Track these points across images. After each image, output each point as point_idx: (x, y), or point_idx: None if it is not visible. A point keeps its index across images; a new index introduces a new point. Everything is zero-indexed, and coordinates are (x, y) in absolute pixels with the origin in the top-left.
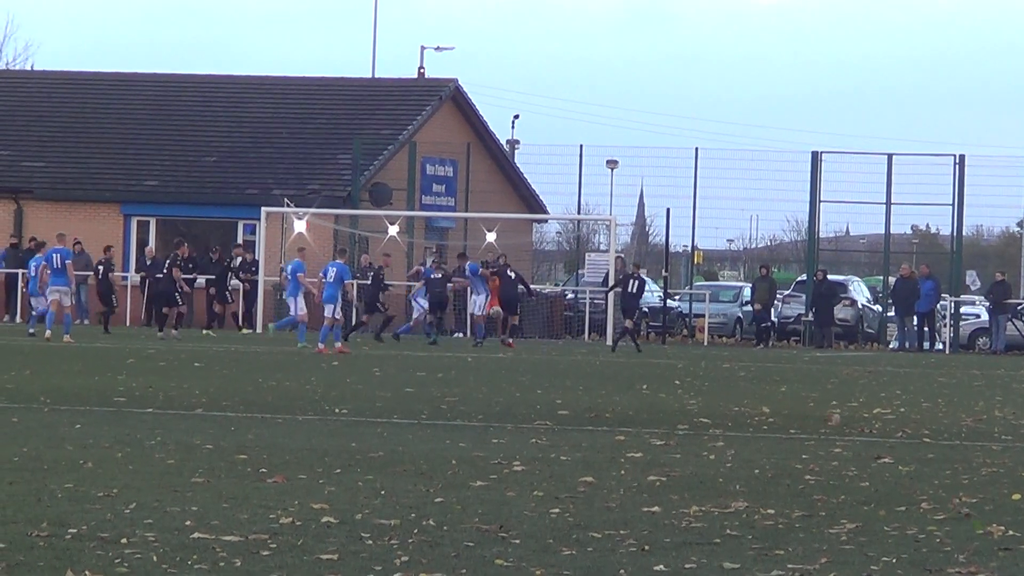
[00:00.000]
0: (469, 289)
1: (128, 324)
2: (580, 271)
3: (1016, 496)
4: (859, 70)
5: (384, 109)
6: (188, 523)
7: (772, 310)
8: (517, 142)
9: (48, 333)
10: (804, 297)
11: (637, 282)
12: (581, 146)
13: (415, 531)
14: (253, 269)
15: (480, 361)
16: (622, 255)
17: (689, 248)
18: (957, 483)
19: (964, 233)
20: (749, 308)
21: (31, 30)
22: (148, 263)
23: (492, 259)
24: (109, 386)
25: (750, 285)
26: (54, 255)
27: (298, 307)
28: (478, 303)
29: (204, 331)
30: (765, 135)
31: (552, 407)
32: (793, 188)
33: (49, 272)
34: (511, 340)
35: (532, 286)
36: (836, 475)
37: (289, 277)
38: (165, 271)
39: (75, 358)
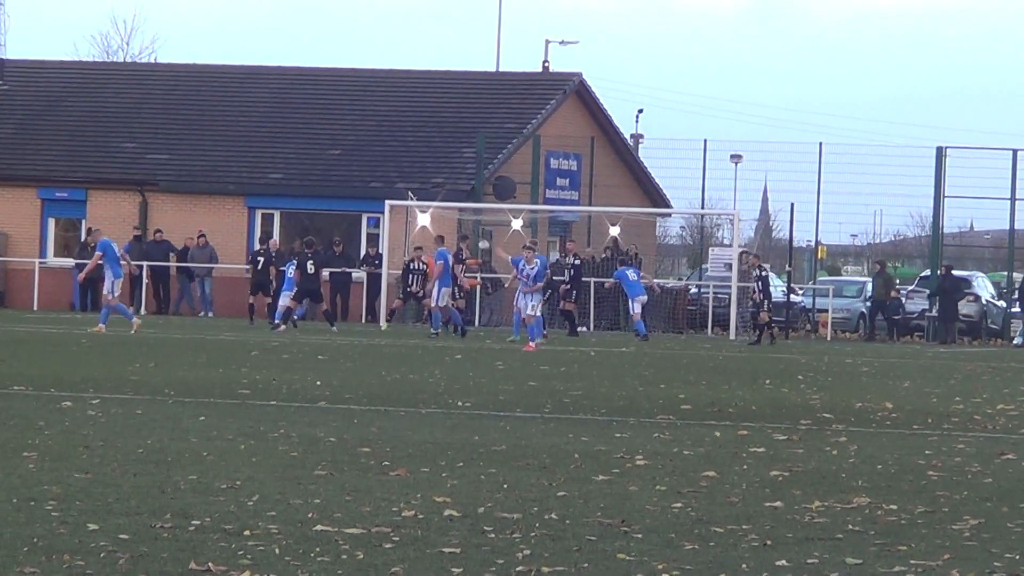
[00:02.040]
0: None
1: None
2: (704, 266)
3: None
4: (984, 66)
5: (508, 103)
6: (311, 515)
7: (887, 305)
8: (641, 136)
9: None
10: (928, 293)
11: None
12: (705, 140)
13: (537, 525)
14: (376, 263)
15: (603, 355)
16: (748, 250)
17: (813, 243)
18: None
19: None
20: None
21: (157, 23)
22: (273, 256)
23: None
24: (233, 378)
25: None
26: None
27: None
28: (525, 299)
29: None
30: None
31: (675, 401)
32: (917, 183)
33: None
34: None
35: (655, 281)
36: (959, 471)
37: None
38: (314, 269)
39: (199, 350)
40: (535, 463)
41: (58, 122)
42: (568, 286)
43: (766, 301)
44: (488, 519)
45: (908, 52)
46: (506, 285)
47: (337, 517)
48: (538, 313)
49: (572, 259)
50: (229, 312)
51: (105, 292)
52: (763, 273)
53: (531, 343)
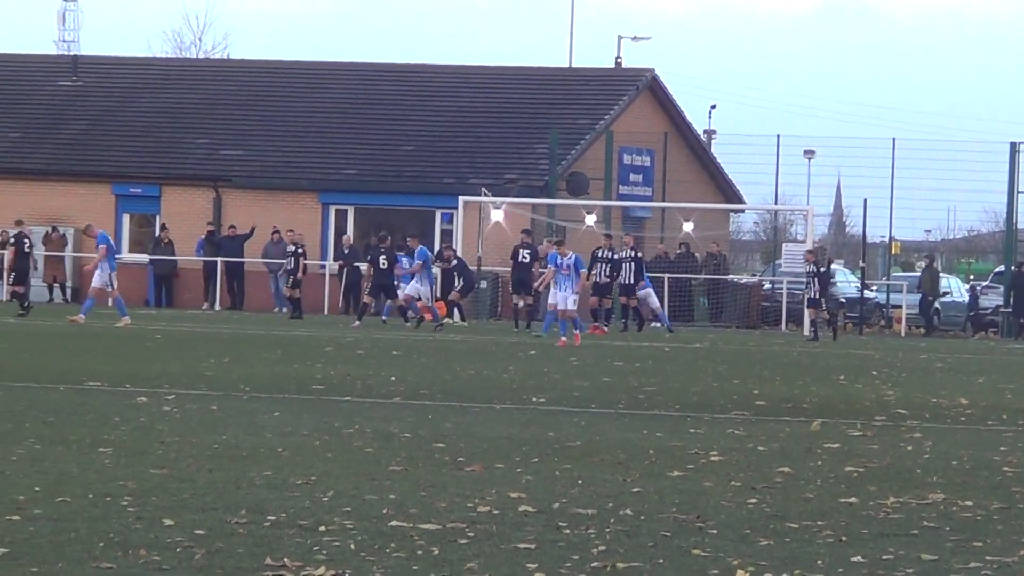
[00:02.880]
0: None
1: (327, 312)
2: (777, 261)
3: None
4: None
5: (581, 99)
6: (386, 511)
7: (936, 299)
8: (714, 132)
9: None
10: (1002, 288)
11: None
12: (778, 136)
13: (612, 520)
14: (454, 261)
15: (677, 351)
16: (822, 245)
17: (886, 239)
18: None
19: None
20: (946, 299)
21: (229, 19)
22: (346, 252)
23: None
24: (308, 374)
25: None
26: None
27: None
28: (558, 296)
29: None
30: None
31: (749, 397)
32: (991, 179)
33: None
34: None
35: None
36: None
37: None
38: (387, 264)
39: (274, 346)
40: (610, 459)
41: (132, 118)
42: (631, 281)
43: (823, 299)
44: (563, 515)
45: (981, 48)
46: (538, 287)
47: (412, 513)
48: (574, 307)
49: (633, 252)
50: (304, 309)
51: (97, 284)
52: (820, 269)
53: (563, 338)
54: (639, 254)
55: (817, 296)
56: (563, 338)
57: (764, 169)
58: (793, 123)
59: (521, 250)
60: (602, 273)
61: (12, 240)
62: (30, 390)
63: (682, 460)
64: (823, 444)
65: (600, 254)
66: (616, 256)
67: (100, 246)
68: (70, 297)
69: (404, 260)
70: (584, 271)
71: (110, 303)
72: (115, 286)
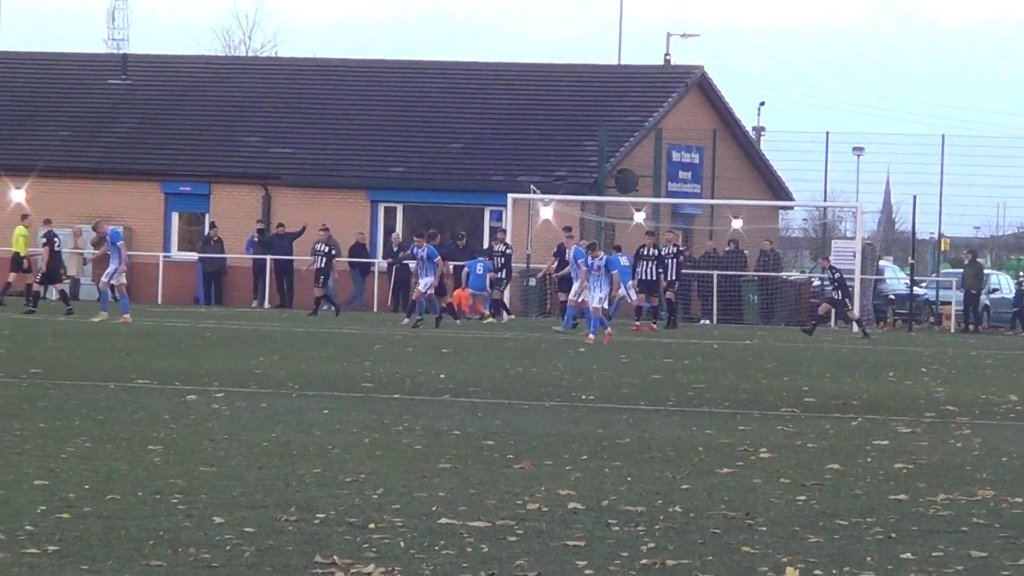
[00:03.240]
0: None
1: (375, 310)
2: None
3: None
4: None
5: (630, 96)
6: (435, 508)
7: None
8: (763, 129)
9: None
10: None
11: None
12: (827, 133)
13: (661, 517)
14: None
15: (726, 348)
16: (871, 242)
17: (935, 235)
18: None
19: None
20: (996, 295)
21: (278, 18)
22: (395, 249)
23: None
24: (357, 372)
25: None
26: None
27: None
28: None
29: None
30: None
31: (798, 394)
32: None
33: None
34: (652, 324)
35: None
36: None
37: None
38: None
39: (323, 344)
40: (659, 456)
41: (181, 116)
42: (674, 278)
43: (847, 300)
44: (612, 512)
45: None
46: (578, 291)
47: (461, 510)
48: (605, 305)
49: (676, 248)
50: (353, 306)
51: (106, 280)
52: (836, 275)
53: (591, 335)
54: (680, 250)
55: (842, 298)
56: (591, 335)
57: (813, 166)
58: (842, 120)
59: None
60: (647, 270)
61: (44, 240)
62: (80, 388)
63: (731, 457)
64: (872, 441)
65: (645, 252)
66: (662, 253)
67: (119, 243)
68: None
69: (480, 264)
70: (616, 272)
71: (97, 296)
72: (122, 282)
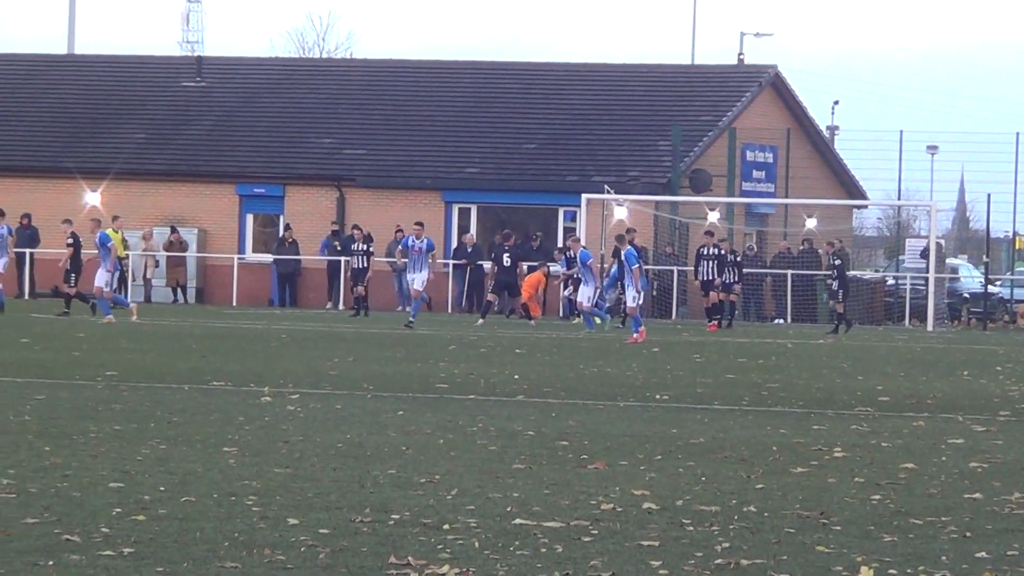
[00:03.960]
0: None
1: (449, 311)
2: (900, 257)
3: None
4: None
5: (703, 95)
6: (509, 509)
7: None
8: (836, 128)
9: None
10: None
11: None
12: (901, 132)
13: (736, 517)
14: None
15: (800, 348)
16: (941, 241)
17: (1010, 234)
18: None
19: None
20: None
21: (352, 19)
22: (468, 250)
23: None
24: (431, 372)
25: None
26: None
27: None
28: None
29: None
30: None
31: (873, 393)
32: None
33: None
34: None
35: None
36: None
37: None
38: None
39: (397, 345)
40: (733, 456)
41: (255, 118)
42: (733, 279)
43: (840, 291)
44: (686, 512)
45: None
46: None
47: (536, 511)
48: (634, 304)
49: (716, 250)
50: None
51: (100, 285)
52: (836, 262)
53: (635, 335)
54: (721, 251)
55: (837, 288)
56: (634, 335)
57: (887, 165)
58: (916, 118)
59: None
60: (707, 271)
61: (70, 240)
62: (155, 390)
63: (805, 457)
64: (947, 440)
65: (705, 252)
66: (722, 252)
67: (108, 244)
68: (192, 299)
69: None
70: (636, 267)
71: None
72: (115, 285)
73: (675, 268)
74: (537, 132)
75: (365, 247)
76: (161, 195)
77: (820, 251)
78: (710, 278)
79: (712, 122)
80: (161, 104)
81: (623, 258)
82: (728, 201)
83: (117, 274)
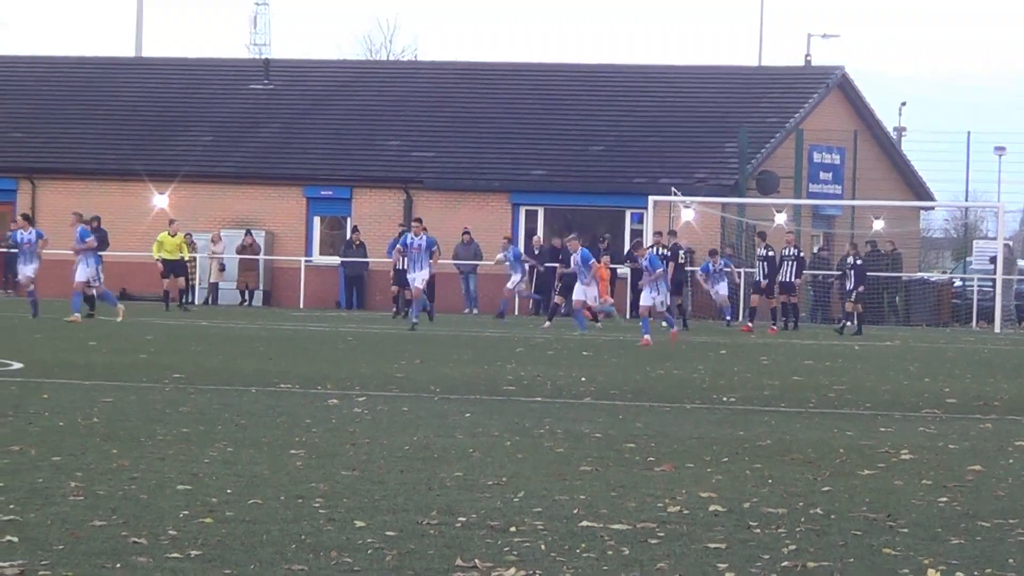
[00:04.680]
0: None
1: (516, 313)
2: (968, 258)
3: None
4: None
5: (771, 97)
6: (576, 511)
7: None
8: (904, 129)
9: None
10: None
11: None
12: (968, 133)
13: (802, 520)
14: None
15: (868, 349)
16: (1009, 242)
17: None
18: None
19: None
20: None
21: (418, 22)
22: (536, 252)
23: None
24: (499, 375)
25: None
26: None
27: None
28: (588, 293)
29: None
30: None
31: (940, 395)
32: None
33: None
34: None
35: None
36: None
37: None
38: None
39: (465, 347)
40: (800, 458)
41: (323, 121)
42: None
43: (854, 292)
44: (753, 514)
45: None
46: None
47: (602, 513)
48: (650, 304)
49: (796, 250)
50: (496, 310)
51: (83, 279)
52: (858, 261)
53: (646, 336)
54: (801, 252)
55: (851, 288)
56: (645, 337)
57: (954, 166)
58: (984, 119)
59: (661, 250)
60: (762, 272)
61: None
62: (222, 392)
63: (872, 459)
64: (1014, 442)
65: (760, 253)
66: (772, 254)
67: (88, 239)
68: (259, 301)
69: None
70: (661, 269)
71: (96, 295)
72: (101, 280)
73: (742, 270)
74: (604, 134)
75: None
76: (229, 198)
77: (882, 251)
78: (786, 280)
79: (779, 124)
80: (229, 107)
81: (647, 261)
82: (795, 203)
83: (100, 267)
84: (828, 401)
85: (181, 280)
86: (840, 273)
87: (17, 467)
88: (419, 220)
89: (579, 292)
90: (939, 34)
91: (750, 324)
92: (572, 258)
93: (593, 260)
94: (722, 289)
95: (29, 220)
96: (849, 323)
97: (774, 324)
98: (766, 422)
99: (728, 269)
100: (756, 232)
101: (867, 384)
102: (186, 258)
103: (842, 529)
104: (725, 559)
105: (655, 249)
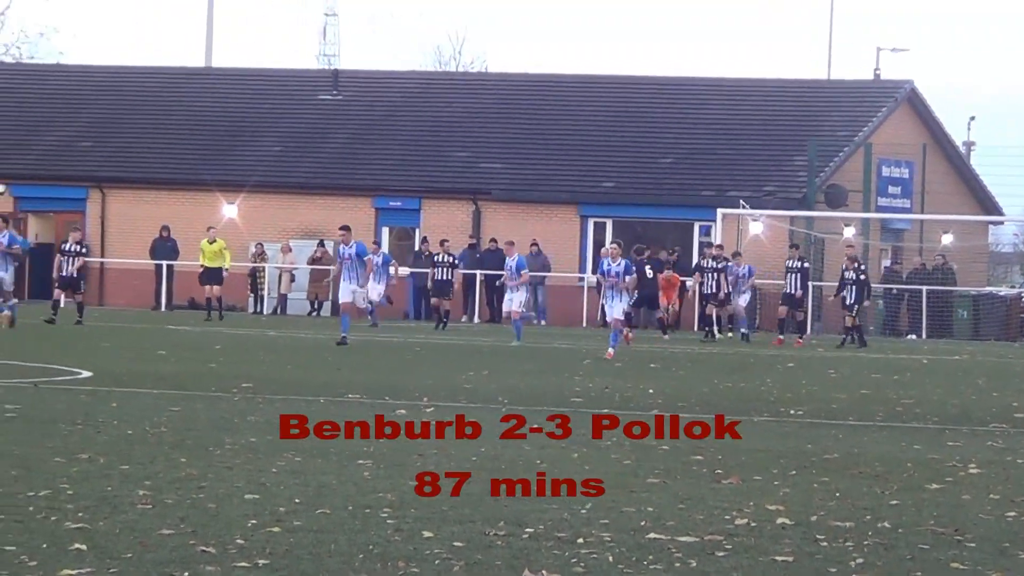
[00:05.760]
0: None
1: (584, 325)
2: None
3: None
4: None
5: (839, 111)
6: (643, 523)
7: None
8: (973, 143)
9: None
10: None
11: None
12: None
13: (870, 533)
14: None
15: (936, 363)
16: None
17: None
18: None
19: None
20: None
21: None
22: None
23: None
24: (566, 386)
25: None
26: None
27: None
28: (517, 300)
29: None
30: None
31: (1008, 410)
32: None
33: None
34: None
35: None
36: None
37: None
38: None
39: (532, 358)
40: (868, 471)
41: (391, 132)
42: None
43: (856, 306)
44: (821, 527)
45: None
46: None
47: (670, 525)
48: (620, 316)
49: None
50: (563, 321)
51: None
52: (860, 276)
53: (611, 349)
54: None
55: (852, 303)
56: (610, 349)
57: None
58: None
59: (710, 261)
60: (792, 284)
61: (85, 250)
62: (290, 402)
63: (940, 473)
64: None
65: (790, 265)
66: (804, 266)
67: (15, 245)
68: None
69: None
70: (631, 277)
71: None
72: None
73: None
74: (673, 146)
75: (451, 259)
76: (298, 208)
77: (955, 267)
78: (793, 292)
79: (848, 137)
80: (298, 117)
81: (621, 267)
82: (864, 216)
83: (12, 269)
84: (896, 415)
85: (216, 288)
86: (839, 287)
87: (86, 475)
88: (346, 228)
89: (507, 302)
90: (1009, 48)
91: (799, 339)
92: (506, 263)
93: (526, 269)
94: (743, 300)
95: (6, 221)
96: (849, 338)
97: (797, 335)
98: (834, 435)
99: (751, 278)
100: (790, 244)
101: (935, 398)
102: (226, 266)
103: (909, 543)
104: (793, 572)
105: (706, 261)
